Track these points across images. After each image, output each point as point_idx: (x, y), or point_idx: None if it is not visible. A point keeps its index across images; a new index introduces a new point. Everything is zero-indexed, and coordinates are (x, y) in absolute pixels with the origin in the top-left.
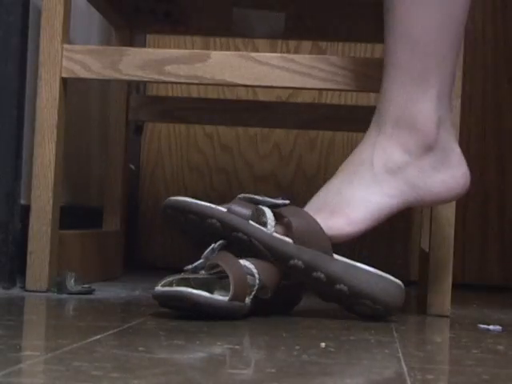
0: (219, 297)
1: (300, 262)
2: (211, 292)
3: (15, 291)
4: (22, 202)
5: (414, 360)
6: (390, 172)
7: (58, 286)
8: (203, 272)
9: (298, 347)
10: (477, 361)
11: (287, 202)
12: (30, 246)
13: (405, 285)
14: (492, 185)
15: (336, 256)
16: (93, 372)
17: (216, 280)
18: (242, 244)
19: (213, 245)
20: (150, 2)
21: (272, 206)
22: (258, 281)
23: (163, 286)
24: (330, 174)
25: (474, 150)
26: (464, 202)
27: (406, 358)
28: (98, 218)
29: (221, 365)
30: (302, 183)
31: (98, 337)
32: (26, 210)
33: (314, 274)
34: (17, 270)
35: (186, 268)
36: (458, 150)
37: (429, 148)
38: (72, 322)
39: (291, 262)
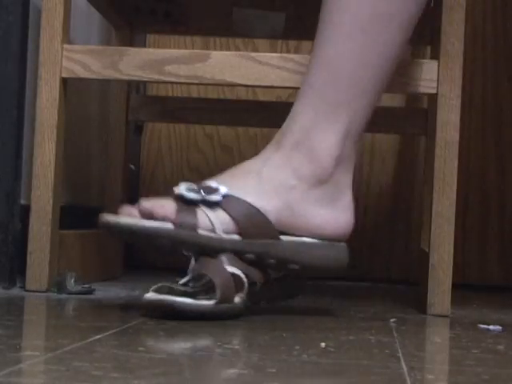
0: (204, 302)
1: (252, 256)
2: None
3: (15, 291)
4: (22, 202)
5: (414, 360)
6: (274, 188)
7: (58, 286)
8: (191, 285)
9: (297, 347)
10: (477, 361)
11: (223, 189)
12: (30, 246)
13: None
14: (492, 185)
15: (282, 237)
16: (93, 372)
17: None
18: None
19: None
20: (149, 2)
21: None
22: (245, 280)
23: (154, 290)
24: None
25: (474, 150)
26: (464, 201)
27: (405, 357)
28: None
29: (221, 365)
30: None
31: (98, 337)
32: (26, 210)
33: (266, 261)
34: (17, 270)
35: (178, 281)
36: (349, 195)
37: (320, 181)
38: (72, 322)
39: (246, 256)
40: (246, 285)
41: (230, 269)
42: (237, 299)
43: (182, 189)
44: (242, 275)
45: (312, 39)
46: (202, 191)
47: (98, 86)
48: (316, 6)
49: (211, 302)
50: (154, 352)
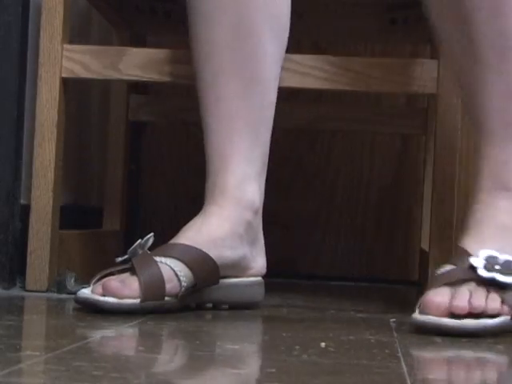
0: (128, 301)
1: (194, 304)
2: None
3: (15, 291)
4: (22, 201)
5: (414, 360)
6: (220, 241)
7: (58, 285)
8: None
9: (297, 347)
10: (477, 361)
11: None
12: (30, 246)
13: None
14: None
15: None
16: (93, 372)
17: None
18: None
19: (139, 240)
20: (150, 2)
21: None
22: (183, 278)
23: (94, 282)
24: (330, 174)
25: (474, 149)
26: (464, 201)
27: (405, 357)
28: (98, 217)
29: (221, 365)
30: (302, 183)
31: (98, 337)
32: (26, 209)
33: (204, 306)
34: (17, 270)
35: (116, 260)
36: (262, 238)
37: (247, 229)
38: (72, 322)
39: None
40: (184, 284)
41: (168, 261)
42: (167, 298)
43: None
44: (180, 273)
45: (312, 38)
46: None
47: (98, 86)
48: (316, 6)
49: (136, 301)
50: (153, 352)
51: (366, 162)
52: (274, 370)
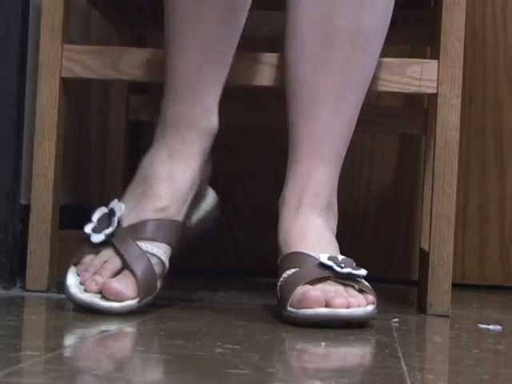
0: (130, 302)
1: None
2: None
3: (15, 291)
4: (22, 201)
5: (414, 360)
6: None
7: (58, 285)
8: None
9: (297, 347)
10: (477, 361)
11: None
12: (30, 246)
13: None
14: (492, 185)
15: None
16: (93, 372)
17: None
18: None
19: (103, 209)
20: (150, 2)
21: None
22: (166, 260)
23: (75, 264)
24: None
25: (474, 149)
26: (464, 202)
27: (405, 357)
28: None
29: (221, 365)
30: None
31: (98, 337)
32: (26, 209)
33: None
34: (17, 270)
35: (86, 230)
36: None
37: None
38: (72, 322)
39: None
40: (167, 266)
41: (148, 246)
42: (158, 284)
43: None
44: (162, 256)
45: None
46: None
47: (98, 86)
48: None
49: (135, 302)
50: (153, 352)
51: (366, 161)
52: (273, 370)
